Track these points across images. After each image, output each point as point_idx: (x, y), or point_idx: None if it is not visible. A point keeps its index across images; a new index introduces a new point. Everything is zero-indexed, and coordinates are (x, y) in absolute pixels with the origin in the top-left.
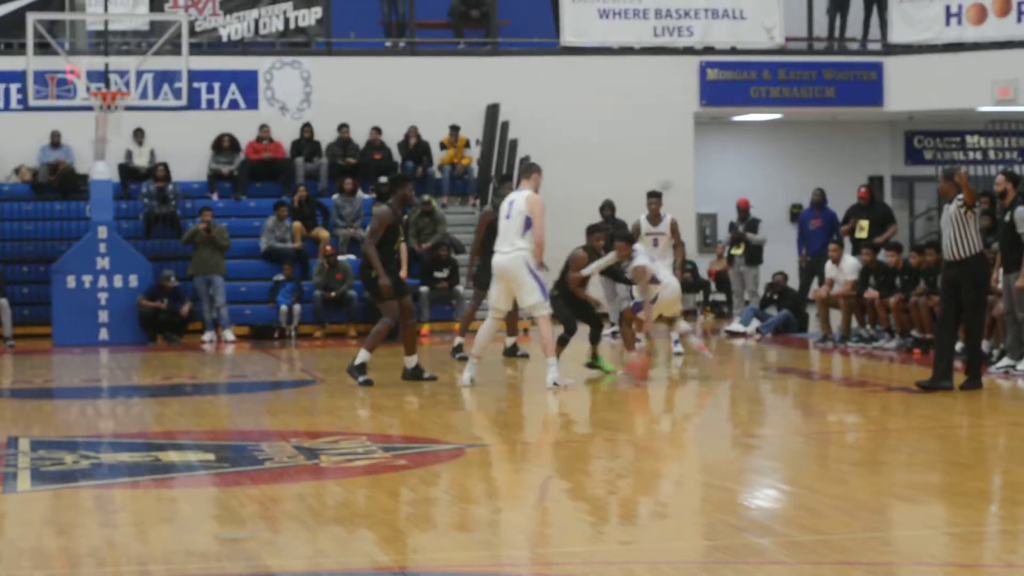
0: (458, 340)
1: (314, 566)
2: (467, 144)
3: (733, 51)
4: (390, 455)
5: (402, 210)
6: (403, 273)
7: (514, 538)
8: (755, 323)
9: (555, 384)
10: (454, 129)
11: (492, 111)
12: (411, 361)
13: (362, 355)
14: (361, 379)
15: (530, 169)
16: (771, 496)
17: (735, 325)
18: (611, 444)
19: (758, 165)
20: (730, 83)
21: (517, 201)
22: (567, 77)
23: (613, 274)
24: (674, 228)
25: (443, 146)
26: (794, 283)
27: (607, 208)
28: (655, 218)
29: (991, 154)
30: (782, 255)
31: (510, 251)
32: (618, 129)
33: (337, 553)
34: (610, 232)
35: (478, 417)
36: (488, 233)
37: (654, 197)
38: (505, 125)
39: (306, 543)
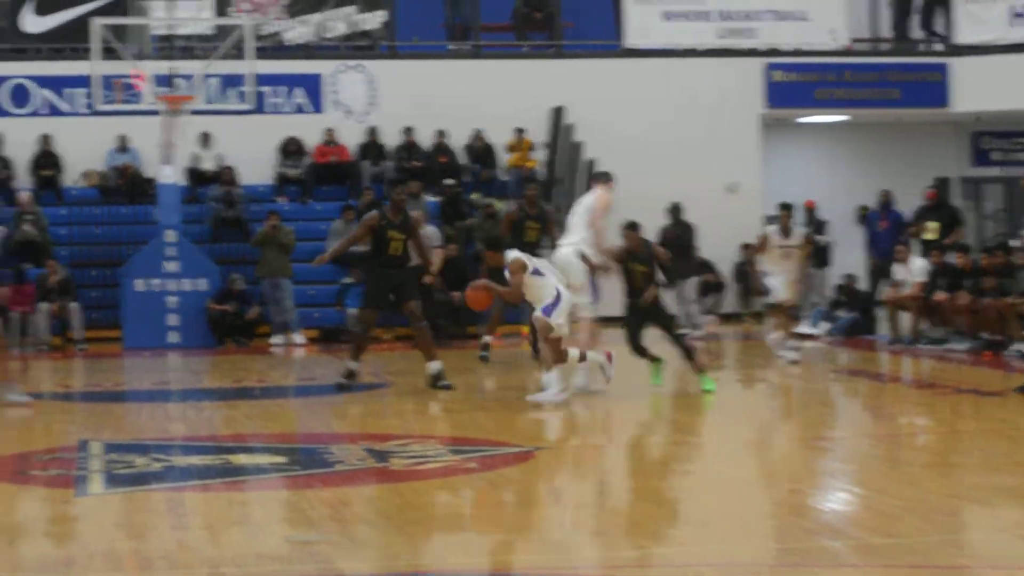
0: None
1: (385, 568)
2: (532, 147)
3: (798, 53)
4: (460, 458)
5: (398, 216)
6: (430, 279)
7: (583, 540)
8: (824, 325)
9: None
10: (519, 132)
11: (557, 113)
12: (433, 367)
13: (349, 364)
14: (339, 382)
15: (604, 176)
16: (842, 499)
17: (804, 327)
18: (681, 447)
19: (824, 167)
20: (795, 85)
21: (586, 199)
22: (631, 79)
23: None
24: (808, 240)
25: (508, 149)
26: (863, 285)
27: (673, 210)
28: (787, 231)
29: None
30: (849, 257)
31: (568, 243)
32: (683, 131)
33: (407, 555)
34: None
35: (546, 420)
36: (515, 231)
37: (785, 210)
38: (570, 127)
39: (377, 546)
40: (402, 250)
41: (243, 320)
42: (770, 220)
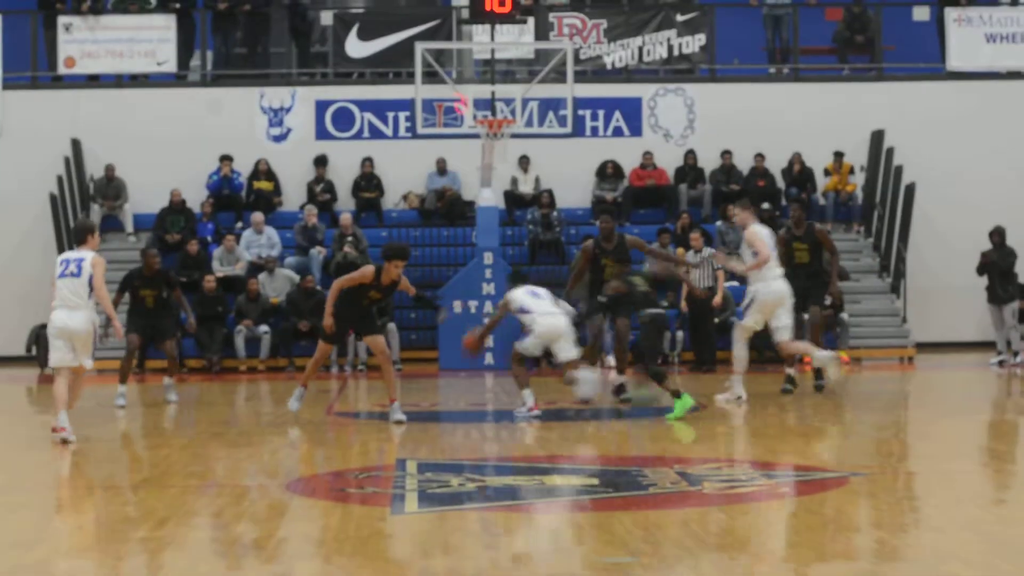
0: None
1: None
2: (851, 170)
3: None
4: (773, 482)
5: (610, 243)
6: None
7: (894, 569)
8: None
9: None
10: (838, 155)
11: (877, 137)
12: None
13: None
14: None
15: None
16: None
17: None
18: (997, 474)
19: None
20: None
21: (762, 233)
22: (954, 102)
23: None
24: None
25: (827, 172)
26: None
27: (996, 235)
28: None
29: None
30: None
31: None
32: (1007, 155)
33: None
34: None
35: (862, 445)
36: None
37: None
38: (890, 151)
39: (689, 569)
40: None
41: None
42: None
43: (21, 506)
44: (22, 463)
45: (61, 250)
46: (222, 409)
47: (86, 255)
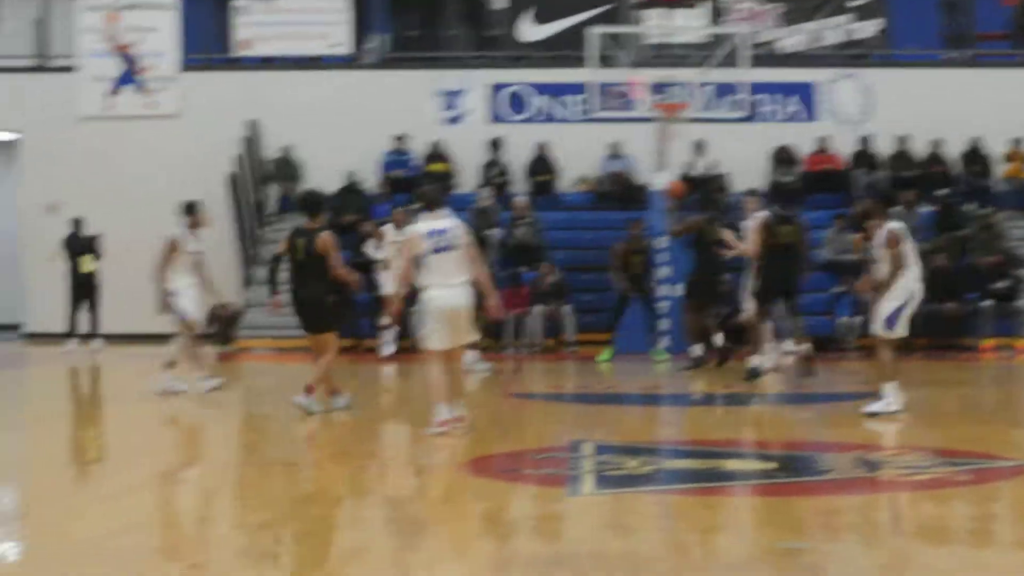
0: None
1: None
2: None
3: None
4: (952, 470)
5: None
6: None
7: None
8: None
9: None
10: (1017, 142)
11: None
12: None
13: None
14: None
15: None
16: None
17: None
18: None
19: None
20: None
21: None
22: None
23: None
24: None
25: (1005, 159)
26: None
27: None
28: None
29: None
30: None
31: None
32: None
33: (898, 566)
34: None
35: None
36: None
37: None
38: None
39: (865, 556)
40: None
41: (732, 325)
42: None
43: (199, 482)
44: (198, 440)
45: (242, 231)
46: (400, 390)
47: (451, 225)
